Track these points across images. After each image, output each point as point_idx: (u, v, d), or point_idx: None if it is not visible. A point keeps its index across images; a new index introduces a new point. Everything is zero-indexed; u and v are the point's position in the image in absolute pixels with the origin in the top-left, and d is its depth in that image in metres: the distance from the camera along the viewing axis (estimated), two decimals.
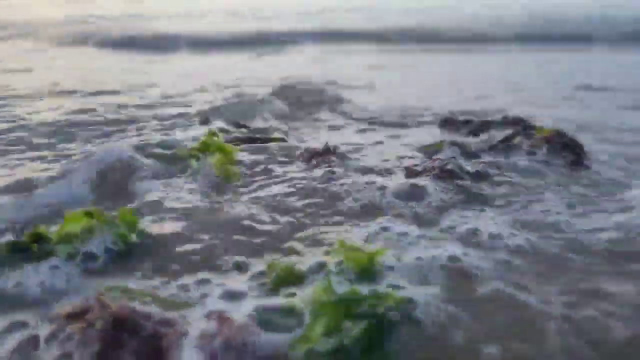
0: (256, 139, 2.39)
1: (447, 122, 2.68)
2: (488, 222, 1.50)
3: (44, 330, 0.79)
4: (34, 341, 0.79)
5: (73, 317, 0.75)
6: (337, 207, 1.65)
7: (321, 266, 1.19)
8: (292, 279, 1.13)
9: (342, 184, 1.82)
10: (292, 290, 1.10)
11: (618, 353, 0.97)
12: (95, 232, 1.27)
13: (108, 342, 0.71)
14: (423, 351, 0.96)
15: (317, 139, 2.49)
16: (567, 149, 2.09)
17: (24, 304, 1.04)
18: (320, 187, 1.82)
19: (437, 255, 1.28)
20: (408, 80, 4.51)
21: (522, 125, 2.41)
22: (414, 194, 1.70)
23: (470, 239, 1.40)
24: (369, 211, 1.61)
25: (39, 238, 1.25)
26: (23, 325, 0.93)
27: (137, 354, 0.74)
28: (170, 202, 1.67)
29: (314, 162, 2.05)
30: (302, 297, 1.04)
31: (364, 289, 1.04)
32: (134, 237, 1.34)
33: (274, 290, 1.10)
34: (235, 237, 1.43)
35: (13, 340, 0.88)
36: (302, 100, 3.41)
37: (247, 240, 1.42)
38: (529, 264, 1.28)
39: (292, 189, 1.81)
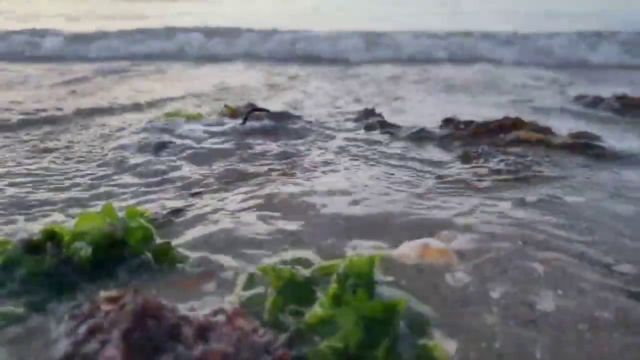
0: None
1: (448, 122, 2.71)
2: None
3: (84, 309, 0.86)
4: (74, 316, 0.85)
5: (111, 300, 0.83)
6: None
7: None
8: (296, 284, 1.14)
9: None
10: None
11: None
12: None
13: (134, 324, 0.79)
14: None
15: None
16: None
17: None
18: None
19: None
20: None
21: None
22: None
23: None
24: None
25: (53, 236, 1.27)
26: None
27: (158, 338, 0.80)
28: None
29: None
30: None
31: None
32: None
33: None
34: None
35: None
36: None
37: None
38: None
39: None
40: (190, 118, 3.28)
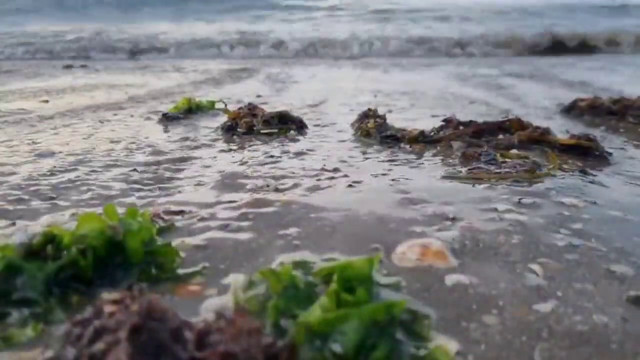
0: None
1: (447, 122, 2.72)
2: None
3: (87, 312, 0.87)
4: (79, 319, 0.87)
5: (114, 302, 0.85)
6: None
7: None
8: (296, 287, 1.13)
9: None
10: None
11: None
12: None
13: (140, 325, 0.79)
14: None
15: None
16: None
17: None
18: None
19: None
20: None
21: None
22: None
23: None
24: None
25: (53, 239, 1.27)
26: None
27: (162, 340, 0.81)
28: None
29: None
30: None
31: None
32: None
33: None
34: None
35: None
36: None
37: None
38: None
39: None
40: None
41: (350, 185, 1.99)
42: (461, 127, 2.68)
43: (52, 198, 1.85)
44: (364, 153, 2.53)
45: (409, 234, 1.53)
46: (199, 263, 1.34)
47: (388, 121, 3.03)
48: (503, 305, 1.15)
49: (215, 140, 2.85)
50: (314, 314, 0.99)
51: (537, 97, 4.73)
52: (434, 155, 2.49)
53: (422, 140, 2.64)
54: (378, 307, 1.00)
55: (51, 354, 0.95)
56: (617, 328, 1.06)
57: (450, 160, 2.38)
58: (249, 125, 2.97)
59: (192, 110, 3.63)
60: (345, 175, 2.13)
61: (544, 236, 1.51)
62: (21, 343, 1.00)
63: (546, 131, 2.61)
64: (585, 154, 2.42)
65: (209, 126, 3.24)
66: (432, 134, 2.70)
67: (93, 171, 2.19)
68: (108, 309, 0.81)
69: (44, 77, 6.24)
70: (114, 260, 1.26)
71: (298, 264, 1.28)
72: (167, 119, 3.42)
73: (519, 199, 1.82)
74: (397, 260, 1.36)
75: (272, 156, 2.44)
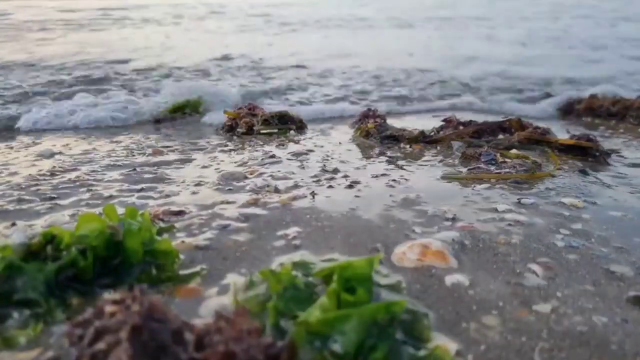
0: None
1: (447, 122, 2.72)
2: None
3: (88, 312, 0.87)
4: (80, 320, 0.86)
5: (115, 303, 0.84)
6: None
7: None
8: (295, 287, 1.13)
9: None
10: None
11: None
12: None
13: (141, 325, 0.79)
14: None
15: None
16: None
17: None
18: None
19: None
20: None
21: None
22: None
23: None
24: None
25: (53, 239, 1.26)
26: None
27: (163, 341, 0.81)
28: None
29: None
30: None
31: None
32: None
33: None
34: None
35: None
36: None
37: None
38: None
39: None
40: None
41: (350, 186, 1.99)
42: (461, 127, 2.68)
43: (53, 198, 1.85)
44: (363, 153, 2.53)
45: (409, 234, 1.53)
46: (199, 263, 1.35)
47: (388, 121, 3.03)
48: (503, 306, 1.15)
49: (215, 140, 2.85)
50: (314, 314, 0.99)
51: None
52: (434, 155, 2.49)
53: (422, 140, 2.64)
54: (378, 307, 1.00)
55: (51, 354, 0.95)
56: (617, 328, 1.06)
57: (450, 160, 2.38)
58: (249, 125, 2.97)
59: (192, 110, 3.62)
60: (345, 176, 2.13)
61: (543, 236, 1.51)
62: (22, 344, 1.00)
63: (546, 131, 2.61)
64: (585, 154, 2.42)
65: (209, 126, 3.24)
66: (432, 134, 2.70)
67: (93, 171, 2.19)
68: (109, 309, 0.81)
69: None
70: (114, 260, 1.26)
71: (298, 265, 1.27)
72: (167, 119, 3.42)
73: (519, 199, 1.82)
74: (397, 261, 1.36)
75: (272, 156, 2.44)
